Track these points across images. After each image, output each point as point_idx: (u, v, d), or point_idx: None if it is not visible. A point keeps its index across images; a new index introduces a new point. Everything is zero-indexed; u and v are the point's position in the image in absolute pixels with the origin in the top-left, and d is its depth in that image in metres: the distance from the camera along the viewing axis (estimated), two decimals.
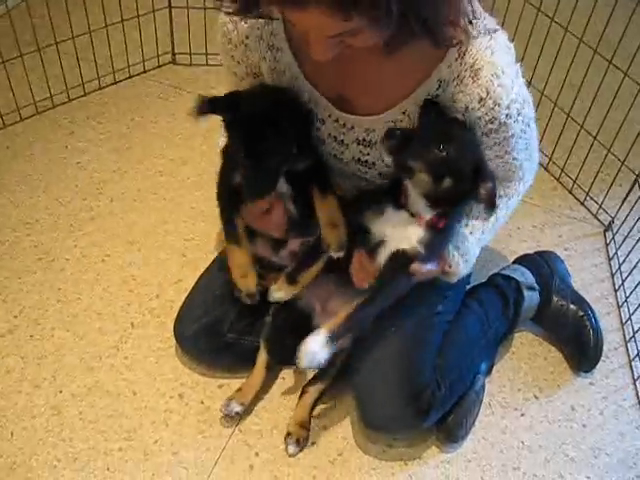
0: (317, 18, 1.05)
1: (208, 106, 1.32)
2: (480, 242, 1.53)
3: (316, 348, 1.36)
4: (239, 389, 1.63)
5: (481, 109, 1.28)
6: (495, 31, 1.27)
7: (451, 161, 1.28)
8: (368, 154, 1.46)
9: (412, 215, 1.36)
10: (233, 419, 1.63)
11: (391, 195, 1.38)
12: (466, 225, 1.49)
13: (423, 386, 1.49)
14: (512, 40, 1.30)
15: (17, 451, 1.55)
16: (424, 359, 1.52)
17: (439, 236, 1.41)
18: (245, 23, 1.39)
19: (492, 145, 1.36)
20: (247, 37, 1.41)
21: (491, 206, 1.34)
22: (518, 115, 1.32)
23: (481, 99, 1.27)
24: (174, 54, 2.76)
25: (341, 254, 1.43)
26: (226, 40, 1.45)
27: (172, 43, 2.74)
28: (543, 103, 2.32)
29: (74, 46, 2.47)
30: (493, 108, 1.28)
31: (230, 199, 1.47)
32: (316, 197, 1.45)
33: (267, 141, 1.32)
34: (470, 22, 1.23)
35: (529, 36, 2.27)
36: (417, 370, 1.50)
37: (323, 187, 1.45)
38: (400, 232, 1.38)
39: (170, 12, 2.66)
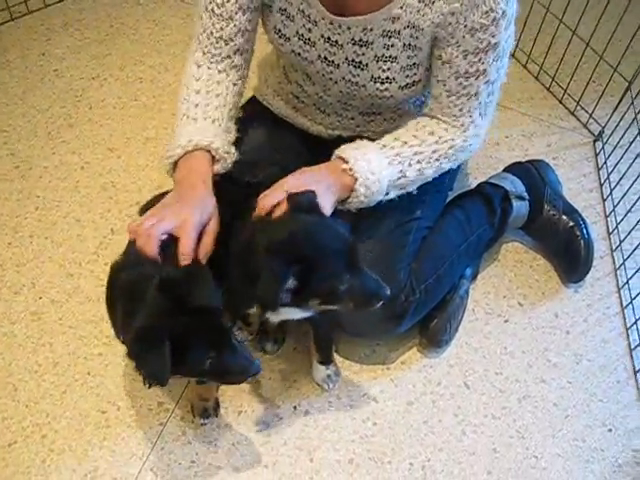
0: None
1: None
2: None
3: None
4: None
5: None
6: None
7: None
8: (363, 54, 1.39)
9: None
10: None
11: None
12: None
13: (397, 290, 1.44)
14: None
15: None
16: (397, 263, 1.47)
17: None
18: None
19: (470, 52, 1.30)
20: None
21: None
22: (509, 25, 1.29)
23: None
24: None
25: None
26: None
27: None
28: (535, 10, 2.25)
29: None
30: None
31: None
32: None
33: None
34: None
35: None
36: (390, 274, 1.43)
37: None
38: None
39: None
